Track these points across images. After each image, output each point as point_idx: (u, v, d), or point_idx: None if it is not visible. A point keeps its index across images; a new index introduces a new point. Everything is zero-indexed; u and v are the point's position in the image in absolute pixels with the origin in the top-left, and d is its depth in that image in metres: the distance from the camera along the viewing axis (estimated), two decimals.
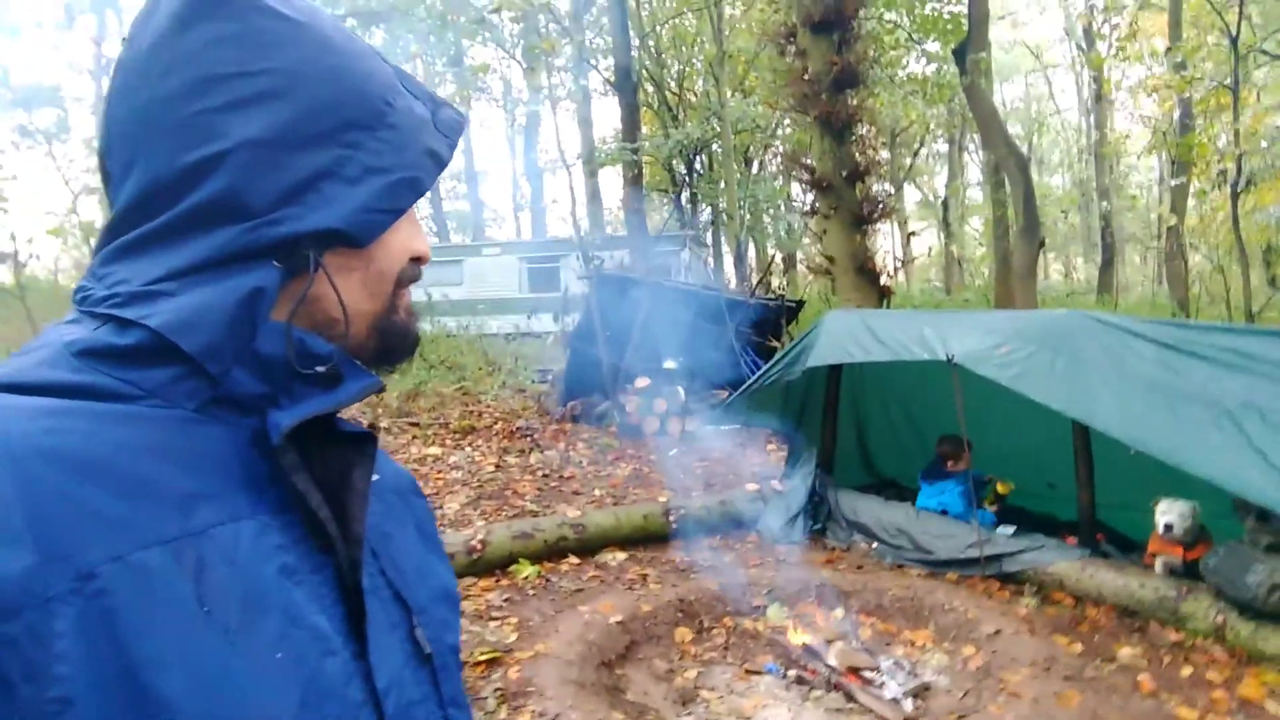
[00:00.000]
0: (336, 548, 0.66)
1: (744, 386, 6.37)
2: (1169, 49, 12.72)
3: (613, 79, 18.68)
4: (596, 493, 6.96)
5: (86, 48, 25.59)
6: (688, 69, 24.64)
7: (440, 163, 0.75)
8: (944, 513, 5.47)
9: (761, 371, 6.21)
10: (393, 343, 0.78)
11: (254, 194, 0.65)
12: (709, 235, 24.38)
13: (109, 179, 0.69)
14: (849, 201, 10.10)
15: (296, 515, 0.66)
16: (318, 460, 0.70)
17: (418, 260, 0.79)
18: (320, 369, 0.69)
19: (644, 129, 21.06)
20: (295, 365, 0.68)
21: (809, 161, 11.14)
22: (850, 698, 3.79)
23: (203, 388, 0.65)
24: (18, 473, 0.54)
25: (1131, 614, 4.35)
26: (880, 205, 10.47)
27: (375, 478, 0.79)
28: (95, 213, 23.93)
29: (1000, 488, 5.55)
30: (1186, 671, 3.75)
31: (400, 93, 0.73)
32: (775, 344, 9.93)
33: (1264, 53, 12.02)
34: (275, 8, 0.68)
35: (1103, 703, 3.50)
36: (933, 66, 16.67)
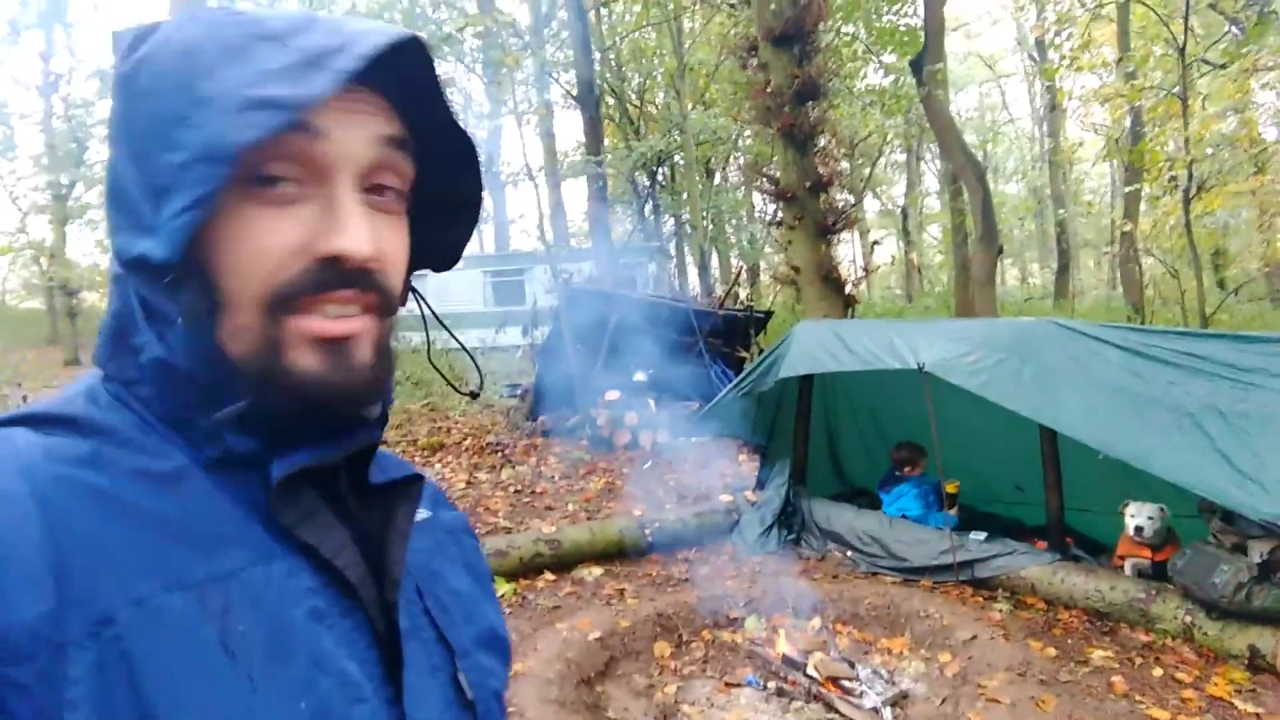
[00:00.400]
0: (361, 593, 0.64)
1: (717, 398, 6.39)
2: (1120, 59, 13.05)
3: (575, 92, 18.72)
4: (570, 507, 6.93)
5: (34, 63, 25.10)
6: (648, 82, 24.76)
7: (280, 107, 0.56)
8: (903, 517, 5.53)
9: (734, 383, 6.23)
10: (293, 396, 0.62)
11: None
12: (673, 246, 24.51)
13: None
14: (813, 212, 10.19)
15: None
16: (362, 500, 0.69)
17: (334, 261, 0.60)
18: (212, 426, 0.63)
19: (606, 141, 21.12)
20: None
21: (772, 173, 11.24)
22: (830, 708, 3.80)
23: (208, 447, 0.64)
24: (44, 513, 0.53)
25: (1102, 616, 4.42)
26: (844, 215, 10.56)
27: (426, 515, 0.79)
28: (45, 231, 23.44)
29: (949, 487, 5.63)
30: (1157, 672, 3.82)
31: (223, 63, 0.59)
32: (744, 354, 9.98)
33: (1207, 62, 12.36)
34: None
35: (1078, 706, 3.55)
36: (890, 78, 16.92)
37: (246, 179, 0.59)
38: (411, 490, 0.71)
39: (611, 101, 23.74)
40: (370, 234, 0.61)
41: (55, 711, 0.49)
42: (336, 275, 0.60)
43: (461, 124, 0.67)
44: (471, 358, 0.86)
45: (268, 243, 0.60)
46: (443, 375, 0.88)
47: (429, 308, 0.79)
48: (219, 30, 0.60)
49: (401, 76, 0.64)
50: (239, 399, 0.62)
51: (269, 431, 0.63)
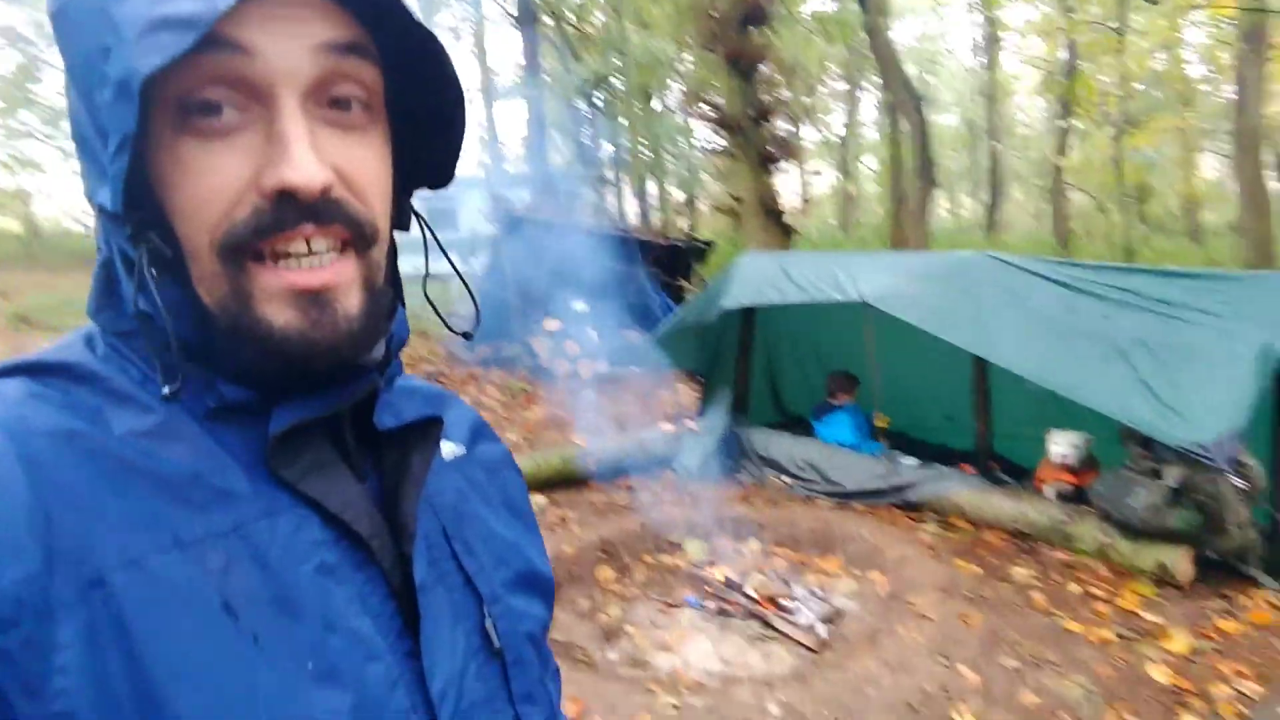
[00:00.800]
0: (373, 545, 0.61)
1: (660, 328, 6.41)
2: None
3: (511, 10, 18.10)
4: (511, 437, 6.94)
5: None
6: (587, 1, 24.03)
7: (187, 24, 0.49)
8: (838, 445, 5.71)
9: (678, 313, 6.26)
10: (271, 352, 0.57)
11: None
12: (610, 174, 24.18)
13: None
14: (756, 141, 10.14)
15: None
16: (377, 447, 0.66)
17: (282, 195, 0.54)
18: (167, 389, 0.56)
19: (545, 64, 20.55)
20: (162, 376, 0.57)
21: (715, 100, 11.11)
22: (768, 625, 3.95)
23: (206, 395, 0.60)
24: (30, 472, 0.50)
25: (1024, 537, 4.65)
26: (786, 145, 10.55)
27: (460, 452, 0.76)
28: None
29: (879, 421, 5.81)
30: (1074, 588, 4.05)
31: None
32: (686, 285, 10.00)
33: None
34: None
35: (1001, 620, 3.76)
36: (834, 4, 16.72)
37: (182, 108, 0.53)
38: (429, 432, 0.67)
39: (550, 22, 23.03)
40: (320, 158, 0.55)
41: (42, 679, 0.46)
42: (293, 211, 0.54)
43: (421, 21, 0.58)
44: (472, 295, 0.82)
45: (211, 181, 0.54)
46: (437, 312, 0.81)
47: (431, 233, 0.74)
48: None
49: None
50: (220, 349, 0.58)
51: (264, 382, 0.60)
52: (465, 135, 0.69)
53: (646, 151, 20.57)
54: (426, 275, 0.78)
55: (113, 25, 0.51)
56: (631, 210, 21.71)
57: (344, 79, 0.57)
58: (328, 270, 0.57)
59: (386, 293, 0.64)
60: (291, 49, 0.54)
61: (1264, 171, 11.19)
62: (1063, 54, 15.77)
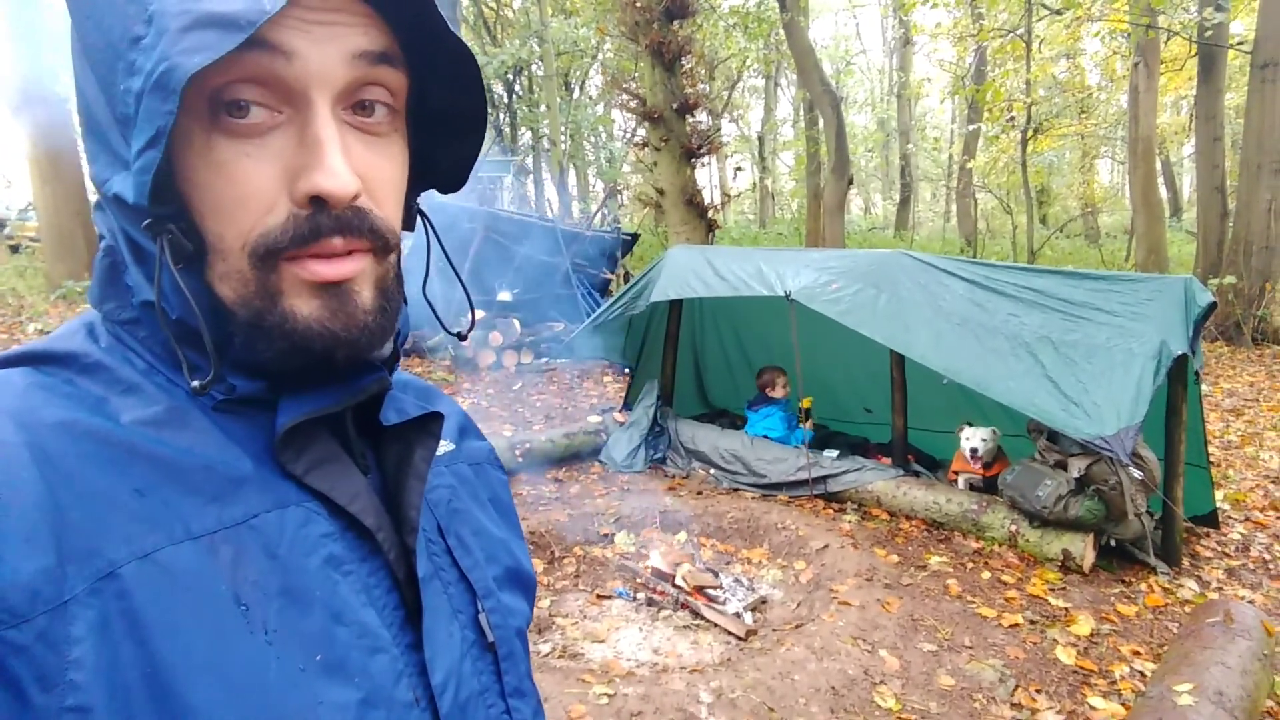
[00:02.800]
0: (379, 538, 0.62)
1: (589, 320, 6.42)
2: None
3: None
4: None
5: None
6: None
7: (232, 24, 0.50)
8: (765, 437, 5.84)
9: (605, 306, 6.27)
10: (293, 344, 0.58)
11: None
12: (529, 161, 23.97)
13: None
14: (679, 134, 10.23)
15: None
16: (378, 441, 0.67)
17: (317, 201, 0.55)
18: (196, 384, 0.57)
19: None
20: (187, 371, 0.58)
21: (637, 90, 11.14)
22: (697, 615, 4.01)
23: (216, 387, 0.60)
24: (40, 464, 0.50)
25: (939, 526, 4.85)
26: (708, 139, 10.66)
27: (450, 448, 0.77)
28: None
29: (803, 403, 5.98)
30: (986, 575, 4.25)
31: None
32: (610, 276, 10.01)
33: (1045, 7, 13.07)
34: None
35: (918, 606, 3.91)
36: (754, 0, 16.94)
37: (214, 105, 0.53)
38: (430, 428, 0.68)
39: (466, 2, 22.64)
40: (351, 165, 0.56)
41: (58, 673, 0.47)
42: (326, 220, 0.55)
43: (454, 30, 0.59)
44: (468, 295, 0.82)
45: (246, 184, 0.54)
46: (434, 311, 0.82)
47: (436, 236, 0.75)
48: None
49: None
50: (237, 344, 0.59)
51: (274, 375, 0.60)
52: (482, 142, 0.70)
53: (566, 139, 20.45)
54: (427, 276, 0.79)
55: (146, 14, 0.51)
56: (552, 200, 21.57)
57: (373, 85, 0.59)
58: (349, 264, 0.58)
59: (399, 293, 0.65)
60: (329, 54, 0.55)
61: (1156, 179, 11.85)
62: (971, 59, 16.37)
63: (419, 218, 0.73)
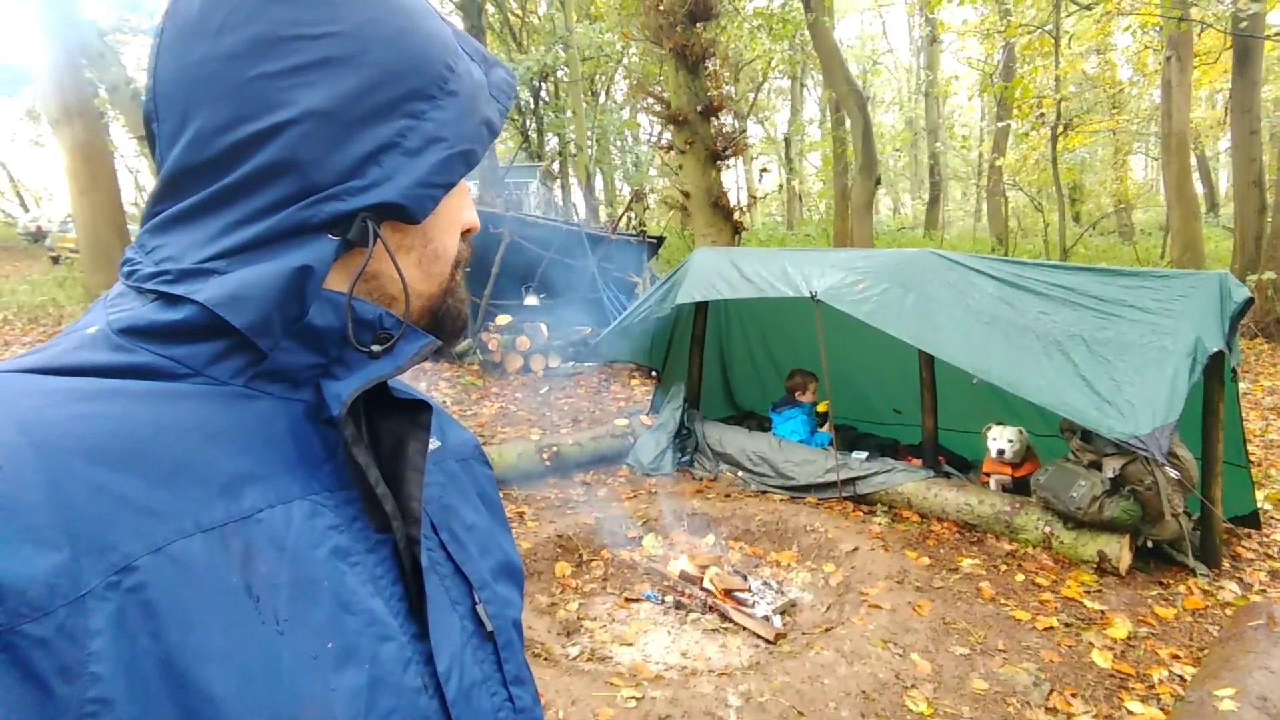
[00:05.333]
0: (394, 526, 0.64)
1: (615, 323, 6.43)
2: None
3: None
4: None
5: None
6: None
7: (493, 130, 0.70)
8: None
9: (631, 309, 6.27)
10: (445, 327, 0.75)
11: (316, 168, 0.61)
12: (555, 166, 24.06)
13: (155, 142, 0.64)
14: (704, 137, 10.20)
15: (351, 493, 0.64)
16: (370, 433, 0.68)
17: (466, 233, 0.75)
18: (377, 346, 0.66)
19: None
20: (352, 339, 0.65)
21: (661, 94, 11.13)
22: (725, 618, 4.00)
23: (251, 361, 0.62)
24: (47, 463, 0.51)
25: (971, 528, 4.79)
26: (733, 141, 10.62)
27: (436, 445, 0.78)
28: None
29: (820, 407, 5.93)
30: (1019, 577, 4.19)
31: (460, 55, 0.69)
32: (636, 279, 10.02)
33: (1074, 1, 12.90)
34: None
35: (950, 609, 3.87)
36: (778, 1, 16.87)
37: None
38: (420, 420, 0.70)
39: (492, 9, 22.79)
40: None
41: (79, 665, 0.47)
42: (469, 245, 0.76)
43: None
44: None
45: (455, 214, 0.72)
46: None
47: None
48: (419, 0, 0.69)
49: None
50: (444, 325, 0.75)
51: (333, 347, 0.65)
52: None
53: (593, 144, 20.50)
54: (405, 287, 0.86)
55: (441, 75, 0.67)
56: (579, 204, 21.63)
57: None
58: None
59: None
60: None
61: (1190, 174, 11.63)
62: (1000, 56, 16.19)
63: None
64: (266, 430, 0.61)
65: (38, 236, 19.33)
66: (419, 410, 0.70)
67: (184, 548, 0.53)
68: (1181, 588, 4.03)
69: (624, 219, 12.63)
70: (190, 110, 0.61)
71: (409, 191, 0.64)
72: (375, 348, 0.66)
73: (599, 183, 23.97)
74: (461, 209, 0.74)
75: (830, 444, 5.51)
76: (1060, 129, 11.00)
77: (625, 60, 22.49)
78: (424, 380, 8.44)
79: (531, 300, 9.08)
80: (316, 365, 0.65)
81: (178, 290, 0.60)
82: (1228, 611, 3.79)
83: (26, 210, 25.76)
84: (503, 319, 8.96)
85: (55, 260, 16.20)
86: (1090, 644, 3.53)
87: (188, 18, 0.61)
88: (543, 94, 22.58)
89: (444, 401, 7.83)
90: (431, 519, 0.72)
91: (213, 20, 0.60)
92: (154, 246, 0.62)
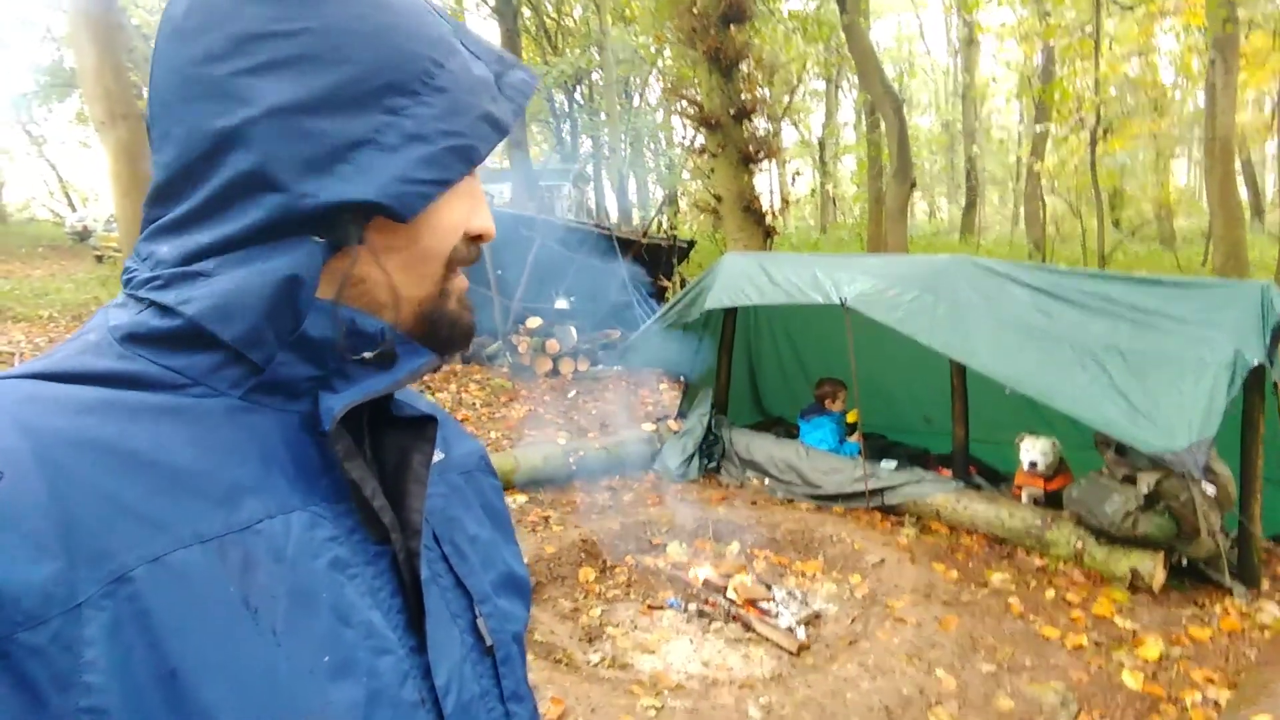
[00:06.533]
0: (393, 538, 0.64)
1: (641, 328, 6.42)
2: None
3: (490, 1, 17.98)
4: (492, 435, 6.92)
5: None
6: None
7: (500, 128, 0.68)
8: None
9: (660, 313, 6.27)
10: (442, 333, 0.71)
11: (279, 165, 0.59)
12: (590, 169, 24.13)
13: (155, 149, 0.64)
14: (736, 140, 10.14)
15: (349, 505, 0.63)
16: (374, 444, 0.68)
17: (478, 239, 0.72)
18: (369, 354, 0.65)
19: (524, 56, 20.45)
20: (344, 349, 0.64)
21: (695, 97, 11.10)
22: (748, 628, 3.97)
23: (247, 373, 0.61)
24: (47, 470, 0.51)
25: (1001, 541, 4.71)
26: (766, 144, 10.55)
27: (440, 457, 0.77)
28: None
29: (849, 416, 5.87)
30: (1049, 594, 4.11)
31: (455, 51, 0.67)
32: (666, 283, 10.00)
33: (1115, 2, 12.66)
34: None
35: (978, 625, 3.81)
36: (813, 3, 16.80)
37: None
38: (425, 432, 0.70)
39: (528, 13, 22.93)
40: None
41: (73, 674, 0.48)
42: (477, 249, 0.73)
43: None
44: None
45: (455, 215, 0.69)
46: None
47: None
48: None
49: None
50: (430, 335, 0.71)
51: (332, 359, 0.64)
52: None
53: (626, 147, 20.53)
54: None
55: (426, 70, 0.64)
56: (611, 207, 21.67)
57: None
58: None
59: None
60: None
61: (1235, 179, 11.37)
62: (1039, 58, 15.95)
63: None
64: (266, 441, 0.61)
65: (84, 236, 19.78)
66: (424, 423, 0.70)
67: (182, 558, 0.53)
68: (1218, 608, 3.92)
69: (655, 222, 12.61)
70: (174, 115, 0.61)
71: (389, 189, 0.62)
72: (366, 354, 0.65)
73: (631, 185, 23.98)
74: (467, 210, 0.70)
75: (859, 453, 5.45)
76: (1100, 133, 10.79)
77: (659, 63, 22.49)
78: (454, 382, 8.50)
79: (561, 303, 9.10)
80: (315, 378, 0.64)
81: (169, 298, 0.60)
82: (1266, 634, 3.69)
83: (74, 210, 26.36)
84: (533, 322, 9.00)
85: (99, 259, 16.57)
86: (1121, 664, 3.45)
87: (175, 22, 0.62)
88: (577, 97, 22.67)
89: (473, 403, 7.89)
90: (434, 531, 0.72)
91: (194, 21, 0.60)
92: (148, 254, 0.63)
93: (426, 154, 0.63)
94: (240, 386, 0.61)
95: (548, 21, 23.91)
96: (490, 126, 0.67)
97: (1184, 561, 4.13)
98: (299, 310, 0.61)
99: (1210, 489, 3.74)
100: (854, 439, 5.74)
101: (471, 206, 0.71)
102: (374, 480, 0.64)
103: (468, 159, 0.65)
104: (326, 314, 0.63)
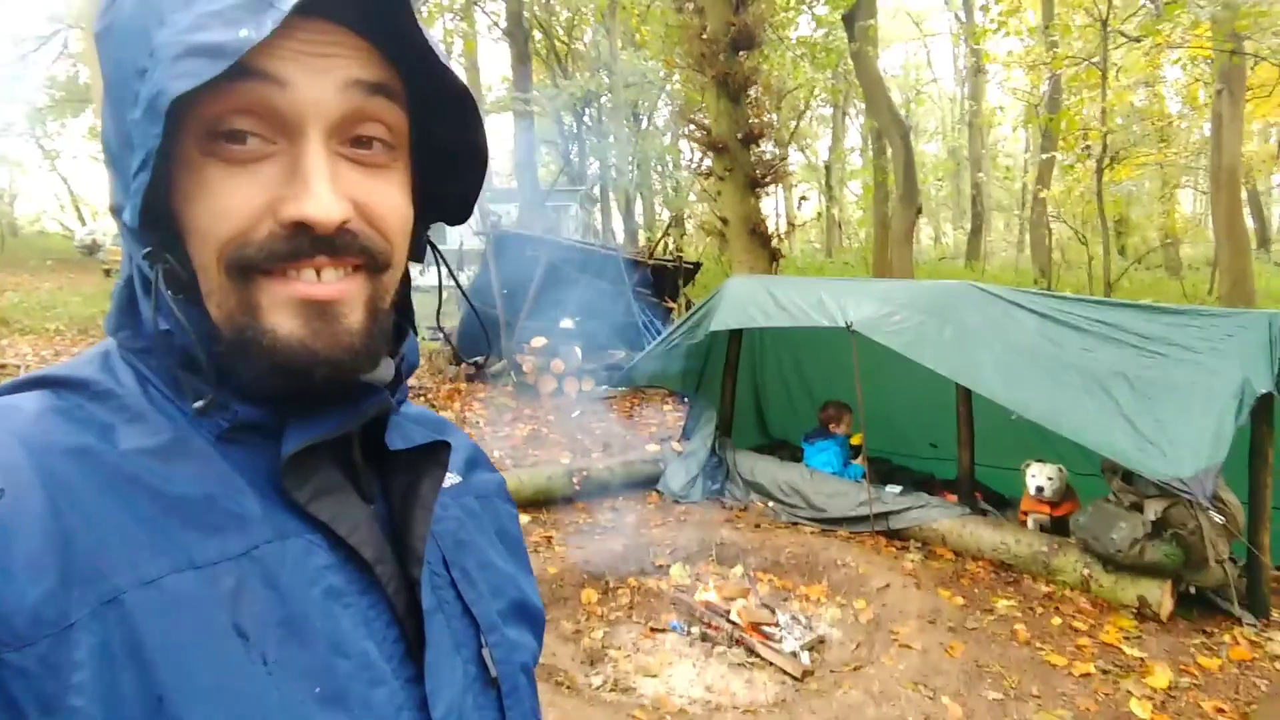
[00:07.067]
0: (378, 570, 0.61)
1: (648, 349, 6.43)
2: (1047, 26, 13.35)
3: (502, 24, 18.16)
4: (496, 454, 6.90)
5: None
6: (577, 18, 24.18)
7: (218, 52, 0.51)
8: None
9: (665, 335, 6.27)
10: (274, 362, 0.57)
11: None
12: (597, 191, 24.24)
13: None
14: (744, 164, 10.20)
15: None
16: (385, 469, 0.67)
17: (301, 227, 0.56)
18: (198, 404, 0.59)
19: (534, 78, 20.62)
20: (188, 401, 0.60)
21: (702, 121, 11.17)
22: (751, 652, 3.93)
23: (221, 407, 0.61)
24: (50, 486, 0.51)
25: (1007, 567, 4.67)
26: (773, 168, 10.61)
27: (455, 480, 0.76)
28: None
29: (853, 440, 5.84)
30: (1056, 621, 4.07)
31: (174, 8, 0.54)
32: (672, 305, 10.02)
33: (1123, 34, 12.74)
34: None
35: (983, 652, 3.77)
36: (822, 31, 16.91)
37: (211, 134, 0.55)
38: (438, 457, 0.68)
39: (539, 36, 23.14)
40: (339, 194, 0.56)
41: (59, 697, 0.47)
42: (309, 242, 0.56)
43: (451, 67, 0.61)
44: (483, 326, 0.84)
45: (226, 203, 0.55)
46: (450, 343, 0.86)
47: (448, 267, 0.77)
48: None
49: (378, 17, 0.58)
50: (231, 368, 0.59)
51: (276, 401, 0.61)
52: (484, 175, 0.71)
53: (634, 169, 20.63)
54: (440, 307, 0.81)
55: (150, 48, 0.53)
56: (618, 228, 21.75)
57: (368, 119, 0.60)
58: (337, 285, 0.59)
59: (389, 315, 0.65)
60: (322, 84, 0.57)
61: (1241, 209, 11.38)
62: (1045, 87, 16.03)
63: (429, 249, 0.75)
64: (258, 467, 0.61)
65: (93, 249, 19.92)
66: (436, 449, 0.69)
67: (175, 583, 0.52)
68: (1227, 637, 3.88)
69: (661, 244, 12.65)
70: None
71: (127, 189, 0.56)
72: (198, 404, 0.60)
73: (638, 207, 24.08)
74: (240, 192, 0.56)
75: (863, 477, 5.43)
76: (1106, 161, 10.82)
77: (668, 87, 22.66)
78: (458, 400, 8.50)
79: (567, 323, 9.11)
80: (270, 421, 0.61)
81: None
82: (1277, 665, 3.65)
83: (84, 224, 26.58)
84: (538, 341, 9.01)
85: (107, 273, 16.66)
86: (1129, 693, 3.41)
87: None
88: (586, 119, 22.81)
89: (477, 422, 7.87)
90: (444, 555, 0.70)
91: None
92: None
93: (138, 129, 0.53)
94: (215, 428, 0.61)
95: (558, 45, 24.13)
96: (201, 56, 0.51)
97: (1192, 590, 4.09)
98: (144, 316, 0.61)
99: (1218, 517, 3.71)
100: (858, 462, 5.72)
101: (274, 187, 0.57)
102: (358, 513, 0.62)
103: (154, 110, 0.52)
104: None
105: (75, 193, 30.70)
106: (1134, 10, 14.23)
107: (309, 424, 0.61)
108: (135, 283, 0.61)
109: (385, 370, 0.66)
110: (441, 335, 8.92)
